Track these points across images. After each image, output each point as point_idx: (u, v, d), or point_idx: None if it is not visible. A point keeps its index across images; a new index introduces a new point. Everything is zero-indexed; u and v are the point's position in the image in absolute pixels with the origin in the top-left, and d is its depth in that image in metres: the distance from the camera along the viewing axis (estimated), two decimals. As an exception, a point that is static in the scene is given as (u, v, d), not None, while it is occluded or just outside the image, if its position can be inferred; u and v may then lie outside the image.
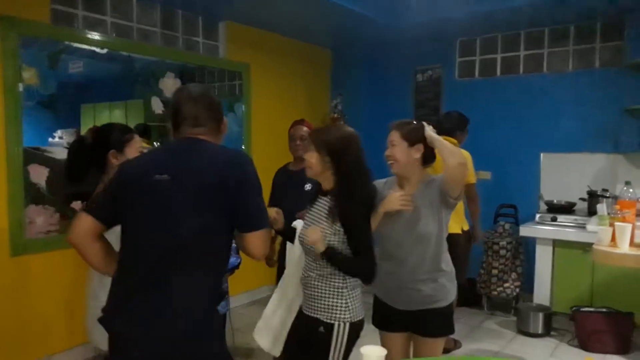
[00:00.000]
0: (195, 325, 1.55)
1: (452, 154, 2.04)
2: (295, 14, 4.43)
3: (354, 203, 1.92)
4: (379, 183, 2.25)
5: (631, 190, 3.15)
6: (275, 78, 5.16)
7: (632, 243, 2.83)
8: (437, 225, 2.13)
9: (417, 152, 2.13)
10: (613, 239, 2.88)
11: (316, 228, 1.91)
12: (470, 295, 4.65)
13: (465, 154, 3.64)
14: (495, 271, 4.49)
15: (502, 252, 4.48)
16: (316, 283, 1.96)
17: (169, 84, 4.21)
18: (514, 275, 4.50)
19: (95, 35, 3.63)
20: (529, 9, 4.27)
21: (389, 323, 2.28)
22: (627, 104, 4.31)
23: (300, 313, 2.06)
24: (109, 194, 1.69)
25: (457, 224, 3.67)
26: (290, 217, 2.22)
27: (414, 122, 2.20)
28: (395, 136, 2.15)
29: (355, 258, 1.91)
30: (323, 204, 2.00)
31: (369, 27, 4.80)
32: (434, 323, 2.20)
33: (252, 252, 1.65)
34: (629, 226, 2.83)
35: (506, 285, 4.48)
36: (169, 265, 1.54)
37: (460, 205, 3.65)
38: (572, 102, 4.68)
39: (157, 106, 4.17)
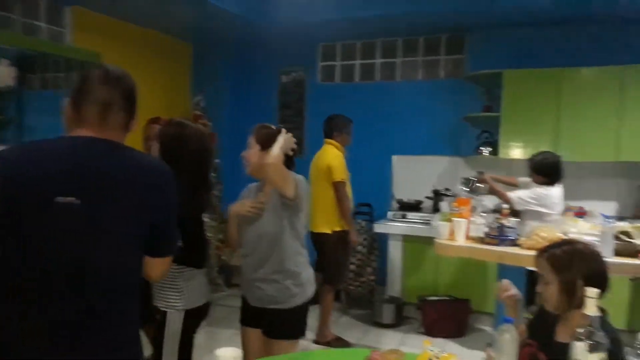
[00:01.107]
0: None
1: (269, 157, 2.12)
2: (150, 3, 4.20)
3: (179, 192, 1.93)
4: (252, 185, 2.39)
5: (466, 189, 3.54)
6: (130, 70, 4.80)
7: (467, 236, 3.17)
8: (277, 226, 2.19)
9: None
10: (452, 233, 3.20)
11: None
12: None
13: (332, 155, 3.80)
14: (352, 267, 4.71)
15: (359, 248, 4.72)
16: None
17: (3, 72, 3.72)
18: (369, 270, 4.76)
19: None
20: (383, 19, 4.58)
21: (246, 318, 2.35)
22: (466, 112, 4.82)
23: None
24: None
25: (326, 224, 3.78)
26: None
27: (273, 127, 2.29)
28: (251, 139, 2.26)
29: (184, 247, 1.94)
30: None
31: (232, 23, 4.75)
32: (275, 324, 2.25)
33: (151, 275, 1.47)
34: (464, 221, 3.16)
35: (362, 279, 4.73)
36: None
37: (331, 206, 3.76)
38: (421, 109, 5.12)
39: (-13, 95, 3.66)
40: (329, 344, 3.89)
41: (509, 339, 1.53)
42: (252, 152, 2.24)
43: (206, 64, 5.71)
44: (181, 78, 5.63)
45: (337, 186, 3.73)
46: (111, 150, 1.35)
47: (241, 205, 2.25)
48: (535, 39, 4.67)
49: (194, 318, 2.08)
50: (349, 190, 3.92)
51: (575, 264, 1.59)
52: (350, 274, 4.72)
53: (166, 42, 5.30)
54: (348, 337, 4.09)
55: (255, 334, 2.31)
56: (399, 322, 4.37)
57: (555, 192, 3.51)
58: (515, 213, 3.40)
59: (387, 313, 4.35)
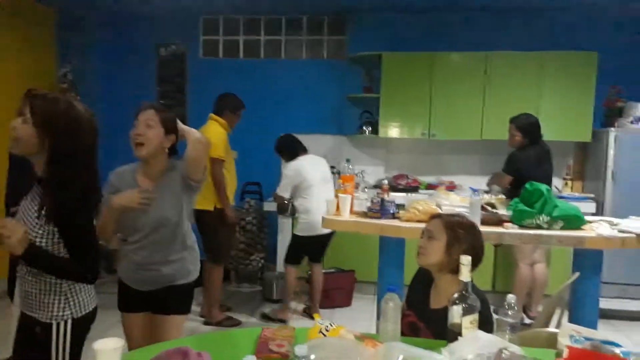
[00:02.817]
0: None
1: (193, 133, 2.12)
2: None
3: (70, 198, 1.60)
4: (121, 170, 2.19)
5: (351, 166, 3.68)
6: None
7: (352, 211, 3.31)
8: (176, 211, 2.15)
9: (169, 142, 2.14)
10: (338, 208, 3.32)
11: (18, 227, 1.55)
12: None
13: (213, 131, 3.69)
14: (242, 245, 4.69)
15: (249, 227, 4.71)
16: (30, 278, 1.68)
17: None
18: (259, 247, 4.78)
19: None
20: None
21: (129, 304, 2.25)
22: (348, 92, 4.98)
23: (21, 312, 1.75)
24: None
25: (207, 200, 3.68)
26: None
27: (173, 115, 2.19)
28: (153, 117, 2.08)
29: (70, 260, 1.64)
30: (34, 196, 1.66)
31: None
32: (172, 301, 2.21)
33: None
34: (348, 197, 3.28)
35: (252, 257, 4.74)
36: None
37: (212, 183, 3.68)
38: (305, 88, 5.18)
39: None
40: (219, 323, 3.87)
41: (393, 307, 1.64)
42: (154, 133, 2.07)
43: (74, 33, 5.19)
44: (43, 47, 5.03)
45: (213, 162, 3.62)
46: None
47: (127, 199, 2.03)
48: (411, 23, 4.96)
49: (84, 325, 1.77)
50: (232, 169, 3.93)
51: (465, 232, 1.80)
52: (241, 252, 4.70)
53: (23, 3, 4.70)
54: (239, 315, 4.10)
55: (139, 318, 2.24)
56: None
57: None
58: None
59: (278, 288, 4.42)
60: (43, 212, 1.59)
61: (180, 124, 2.16)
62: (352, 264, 4.56)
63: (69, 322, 1.70)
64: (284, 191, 3.93)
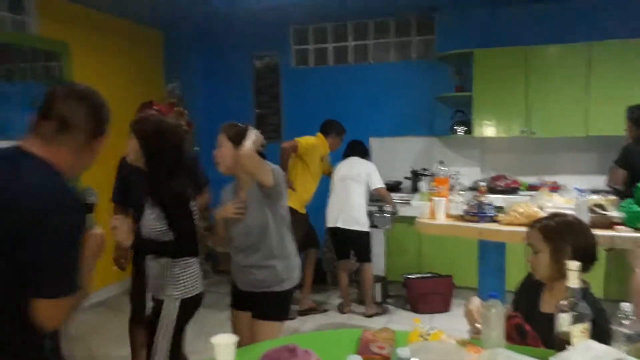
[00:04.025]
0: None
1: (241, 149, 2.22)
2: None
3: (165, 184, 2.07)
4: (227, 186, 2.46)
5: (444, 168, 3.62)
6: (102, 60, 4.74)
7: (447, 214, 3.26)
8: (260, 218, 2.28)
9: None
10: (432, 211, 3.28)
11: (126, 219, 2.08)
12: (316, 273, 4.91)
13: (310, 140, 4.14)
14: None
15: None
16: (150, 263, 2.17)
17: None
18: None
19: None
20: (353, 1, 4.58)
21: (236, 302, 2.46)
22: (439, 93, 4.90)
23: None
24: None
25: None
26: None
27: (241, 125, 2.33)
28: (222, 137, 2.29)
29: (173, 241, 2.08)
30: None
31: (201, 8, 4.68)
32: (267, 307, 2.34)
33: (40, 321, 1.24)
34: (443, 200, 3.24)
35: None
36: None
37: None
38: (394, 91, 5.17)
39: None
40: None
41: (496, 313, 1.61)
42: (224, 150, 2.27)
43: (178, 52, 5.63)
44: (154, 67, 5.54)
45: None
46: (18, 157, 1.29)
47: (224, 210, 2.32)
48: (503, 17, 4.76)
49: (189, 307, 2.14)
50: (317, 177, 4.36)
51: (566, 234, 1.70)
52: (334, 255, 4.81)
53: (136, 30, 5.21)
54: (338, 316, 4.24)
55: (245, 316, 2.39)
56: (384, 299, 4.49)
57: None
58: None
59: (373, 291, 4.45)
60: (150, 200, 2.09)
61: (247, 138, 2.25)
62: (451, 269, 4.47)
63: (178, 301, 2.09)
64: None
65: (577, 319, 1.43)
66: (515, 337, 1.73)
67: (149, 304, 2.23)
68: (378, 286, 4.45)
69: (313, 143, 4.16)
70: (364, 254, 4.24)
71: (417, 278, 4.38)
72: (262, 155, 2.31)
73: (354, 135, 5.17)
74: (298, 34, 5.53)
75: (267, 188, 2.23)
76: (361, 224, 4.14)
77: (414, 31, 5.18)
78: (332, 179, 4.28)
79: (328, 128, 4.32)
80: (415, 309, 4.24)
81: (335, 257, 4.47)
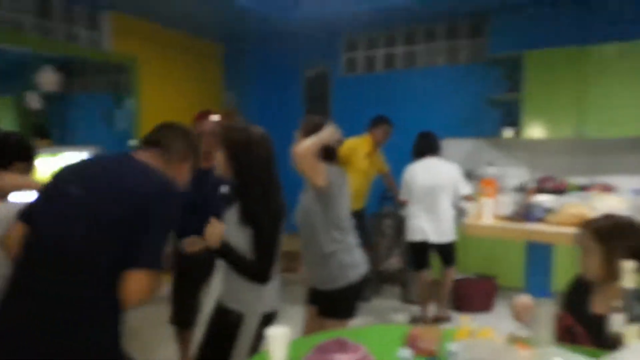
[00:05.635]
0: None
1: (296, 147, 2.20)
2: (184, 6, 4.33)
3: (252, 202, 1.91)
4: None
5: (492, 169, 3.59)
6: (166, 72, 5.03)
7: (495, 215, 3.24)
8: (307, 217, 2.32)
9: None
10: (480, 213, 3.27)
11: (218, 224, 1.89)
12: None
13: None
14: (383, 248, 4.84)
15: (388, 230, 4.83)
16: (234, 274, 1.96)
17: (48, 78, 3.86)
18: (397, 251, 4.87)
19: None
20: (403, 8, 4.62)
21: (308, 297, 2.50)
22: (488, 95, 4.85)
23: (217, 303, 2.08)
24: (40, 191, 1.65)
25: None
26: (204, 221, 2.04)
27: (316, 120, 2.32)
28: (297, 133, 2.31)
29: (248, 260, 1.89)
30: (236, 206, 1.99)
31: (258, 21, 4.86)
32: (324, 304, 2.39)
33: (128, 293, 1.44)
34: (491, 201, 3.22)
35: (391, 260, 4.84)
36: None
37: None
38: (443, 94, 5.16)
39: (34, 102, 3.82)
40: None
41: (546, 312, 1.62)
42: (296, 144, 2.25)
43: (236, 63, 5.87)
44: (214, 77, 5.82)
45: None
46: (127, 161, 1.63)
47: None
48: (554, 17, 4.66)
49: (268, 321, 1.97)
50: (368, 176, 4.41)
51: (617, 235, 1.68)
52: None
53: (198, 43, 5.50)
54: (383, 314, 4.26)
55: (313, 311, 2.46)
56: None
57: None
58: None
59: (414, 289, 4.46)
60: (241, 218, 1.91)
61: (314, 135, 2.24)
62: (495, 270, 4.42)
63: (259, 315, 1.94)
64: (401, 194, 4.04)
65: (631, 320, 1.42)
66: (565, 339, 1.73)
67: (204, 309, 2.14)
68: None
69: (350, 147, 4.18)
70: (451, 259, 3.98)
71: (462, 278, 4.35)
72: (333, 152, 2.31)
73: (401, 139, 5.17)
74: (349, 42, 5.61)
75: (317, 189, 2.23)
76: (451, 234, 3.88)
77: (464, 34, 5.14)
78: (409, 185, 3.92)
79: (370, 125, 4.39)
80: (459, 308, 4.23)
81: (411, 268, 4.19)
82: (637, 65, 4.19)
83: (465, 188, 3.86)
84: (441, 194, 3.81)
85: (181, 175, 1.76)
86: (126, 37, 4.54)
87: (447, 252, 3.96)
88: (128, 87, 4.61)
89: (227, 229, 1.93)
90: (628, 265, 1.46)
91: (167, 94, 4.98)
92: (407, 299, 4.59)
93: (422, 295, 4.05)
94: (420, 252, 3.97)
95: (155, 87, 4.82)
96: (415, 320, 4.10)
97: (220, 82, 5.89)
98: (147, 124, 4.73)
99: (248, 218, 1.90)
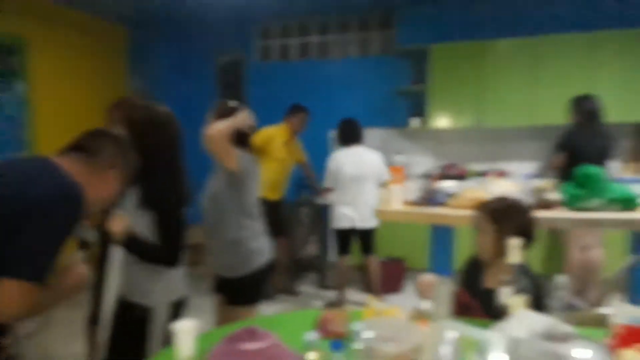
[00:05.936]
0: None
1: (208, 129, 2.16)
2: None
3: (157, 185, 1.84)
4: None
5: (400, 158, 3.75)
6: (63, 55, 4.68)
7: (403, 201, 3.38)
8: (219, 202, 2.26)
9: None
10: (389, 199, 3.39)
11: (122, 217, 1.82)
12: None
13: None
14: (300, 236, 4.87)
15: (305, 219, 4.89)
16: (135, 266, 1.88)
17: None
18: (313, 238, 4.95)
19: None
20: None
21: (215, 286, 2.44)
22: (398, 86, 5.03)
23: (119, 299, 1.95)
24: None
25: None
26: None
27: (230, 104, 2.29)
28: (209, 116, 2.26)
29: (156, 245, 1.83)
30: (133, 189, 1.88)
31: (167, 5, 4.65)
32: (230, 292, 2.37)
33: (1, 305, 1.26)
34: (399, 187, 3.36)
35: (309, 247, 4.91)
36: None
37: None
38: (355, 85, 5.29)
39: None
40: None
41: (445, 289, 1.72)
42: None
43: (143, 48, 5.59)
44: (118, 62, 5.49)
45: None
46: (37, 161, 1.45)
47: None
48: (459, 12, 4.93)
49: (177, 310, 1.93)
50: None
51: (507, 215, 1.83)
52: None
53: (100, 25, 5.14)
54: (301, 300, 4.34)
55: (221, 300, 2.42)
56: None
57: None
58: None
59: (331, 275, 4.57)
60: (141, 202, 1.81)
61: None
62: (404, 252, 4.64)
63: (167, 305, 1.87)
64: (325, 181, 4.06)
65: (517, 292, 1.56)
66: (461, 313, 1.86)
67: (110, 306, 1.95)
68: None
69: (266, 136, 4.18)
70: (372, 247, 4.09)
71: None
72: (246, 137, 2.27)
73: (316, 128, 5.23)
74: (262, 30, 5.56)
75: (229, 173, 2.19)
76: (374, 219, 3.93)
77: (375, 27, 5.28)
78: (335, 174, 3.95)
79: (287, 113, 4.38)
80: (370, 291, 4.38)
81: (335, 253, 4.20)
82: (531, 60, 4.55)
83: (388, 175, 3.95)
84: (367, 182, 3.91)
85: (108, 184, 1.56)
86: (12, 15, 4.15)
87: (369, 238, 4.06)
88: (16, 70, 4.23)
89: (132, 214, 1.84)
90: (514, 242, 1.59)
91: (63, 79, 4.64)
92: (324, 285, 4.69)
93: (341, 280, 4.14)
94: (345, 239, 4.05)
95: (49, 71, 4.46)
96: (331, 305, 4.19)
97: (124, 67, 5.58)
98: (43, 112, 4.40)
99: (151, 201, 1.81)
